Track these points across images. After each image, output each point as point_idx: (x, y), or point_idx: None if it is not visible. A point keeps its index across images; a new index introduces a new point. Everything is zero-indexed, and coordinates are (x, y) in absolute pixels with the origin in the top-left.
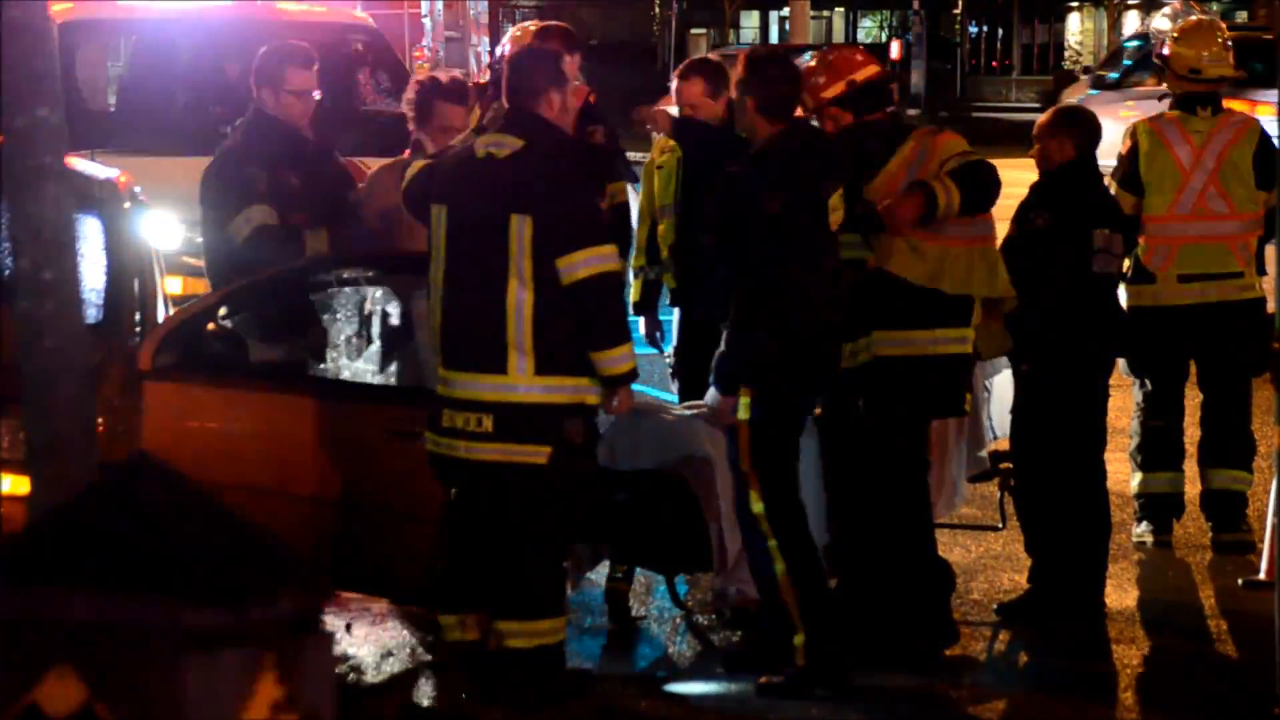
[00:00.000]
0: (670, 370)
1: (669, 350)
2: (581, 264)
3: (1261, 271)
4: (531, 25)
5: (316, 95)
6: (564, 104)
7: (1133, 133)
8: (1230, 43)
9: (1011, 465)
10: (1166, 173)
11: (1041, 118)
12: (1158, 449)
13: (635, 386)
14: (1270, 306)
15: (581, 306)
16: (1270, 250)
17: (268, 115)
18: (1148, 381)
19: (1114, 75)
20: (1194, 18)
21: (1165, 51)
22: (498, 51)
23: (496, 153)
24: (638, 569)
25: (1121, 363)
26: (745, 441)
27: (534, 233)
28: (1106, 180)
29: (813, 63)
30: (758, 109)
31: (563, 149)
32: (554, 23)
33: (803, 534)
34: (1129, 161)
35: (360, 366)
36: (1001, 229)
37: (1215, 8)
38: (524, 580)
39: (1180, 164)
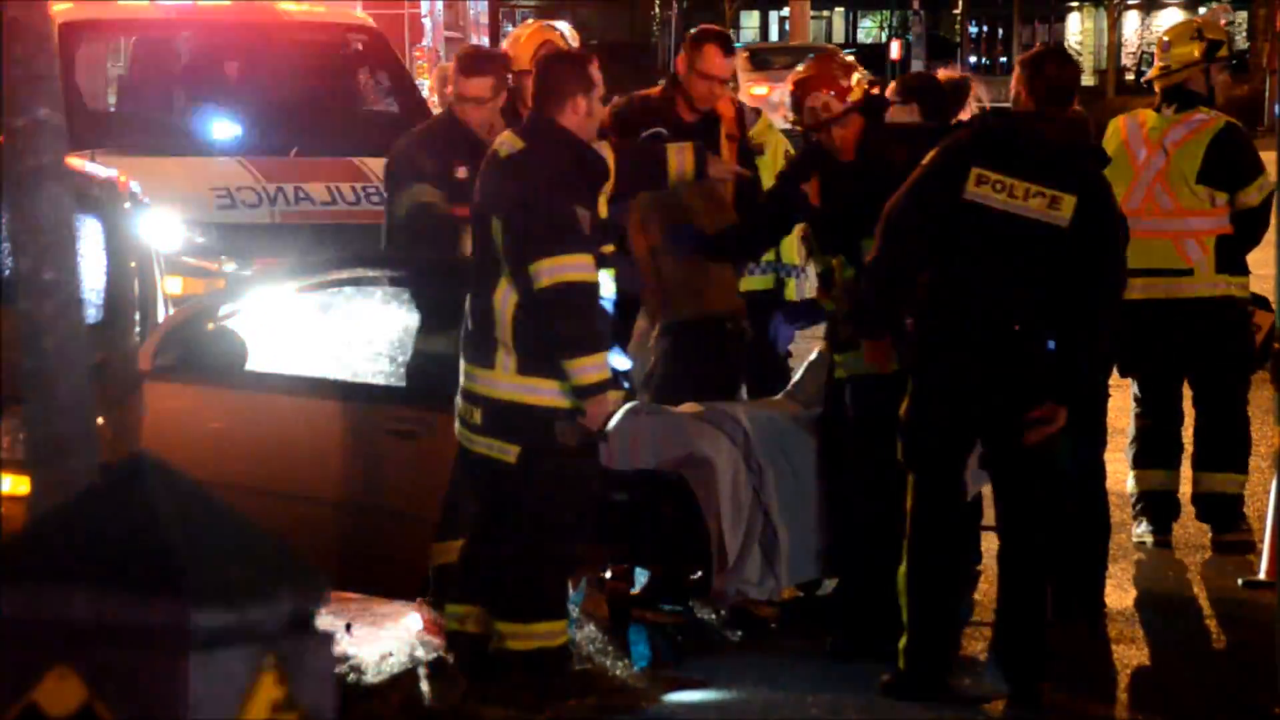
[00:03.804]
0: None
1: None
2: (545, 272)
3: (1239, 271)
4: (531, 24)
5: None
6: (590, 109)
7: (1114, 128)
8: (1202, 34)
9: None
10: (1120, 167)
11: None
12: (1149, 446)
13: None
14: (1272, 306)
15: (546, 314)
16: (1261, 250)
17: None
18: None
19: None
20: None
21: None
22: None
23: (501, 152)
24: (638, 569)
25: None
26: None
27: (503, 236)
28: None
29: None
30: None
31: (555, 157)
32: (710, 26)
33: (885, 551)
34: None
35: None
36: None
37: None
38: (521, 581)
39: (1134, 159)
